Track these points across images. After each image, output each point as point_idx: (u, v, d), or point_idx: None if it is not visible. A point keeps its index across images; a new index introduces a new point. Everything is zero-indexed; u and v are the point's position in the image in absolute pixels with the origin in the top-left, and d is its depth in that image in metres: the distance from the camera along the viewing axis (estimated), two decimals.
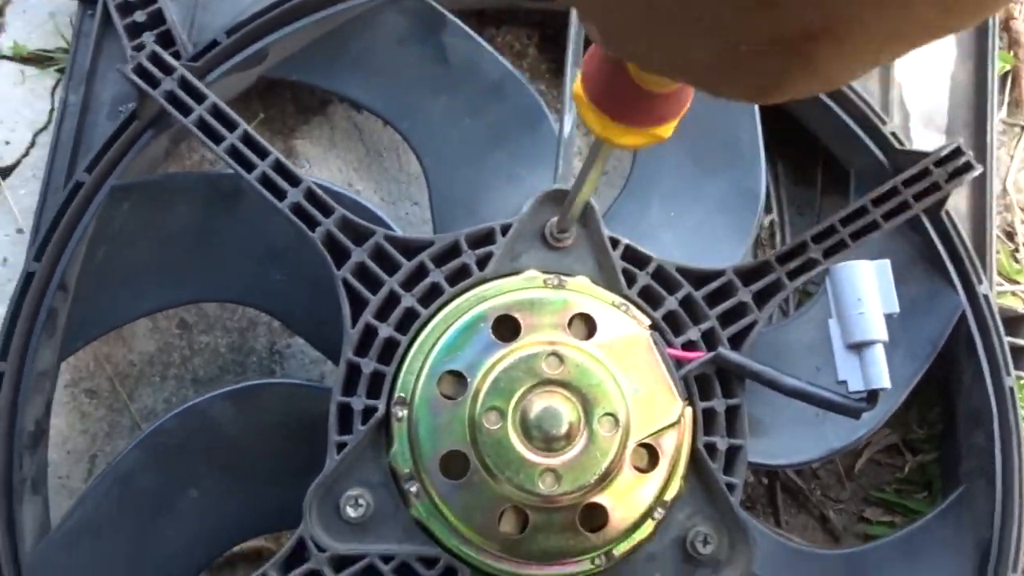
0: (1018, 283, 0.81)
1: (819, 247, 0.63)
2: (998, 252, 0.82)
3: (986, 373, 0.69)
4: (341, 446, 0.59)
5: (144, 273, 0.68)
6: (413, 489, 0.58)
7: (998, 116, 0.83)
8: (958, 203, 0.77)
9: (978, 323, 0.70)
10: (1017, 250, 0.83)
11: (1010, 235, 0.83)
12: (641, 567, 0.60)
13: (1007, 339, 0.74)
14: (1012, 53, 0.88)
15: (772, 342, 0.70)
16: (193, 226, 0.69)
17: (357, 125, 0.83)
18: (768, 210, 0.83)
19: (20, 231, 0.80)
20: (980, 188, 0.76)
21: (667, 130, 0.39)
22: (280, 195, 0.62)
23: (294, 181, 0.62)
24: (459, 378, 0.58)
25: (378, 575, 0.58)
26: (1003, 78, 0.88)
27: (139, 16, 0.71)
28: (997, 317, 0.70)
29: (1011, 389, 0.68)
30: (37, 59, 0.84)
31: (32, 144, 0.83)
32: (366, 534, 0.59)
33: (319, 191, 0.62)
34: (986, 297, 0.70)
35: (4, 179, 0.82)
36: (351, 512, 0.59)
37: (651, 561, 0.60)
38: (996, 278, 0.80)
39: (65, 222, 0.67)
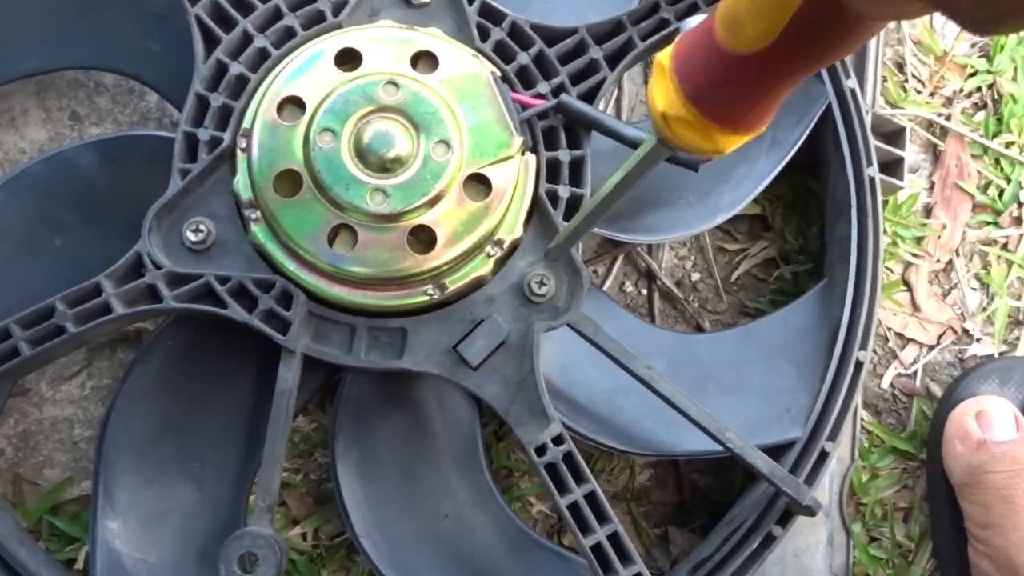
0: (902, 108, 0.82)
1: (672, 8, 0.63)
2: (885, 79, 0.82)
3: (848, 164, 0.70)
4: (185, 173, 0.60)
5: (24, 33, 0.70)
6: (253, 216, 0.59)
7: None
8: None
9: (843, 114, 0.70)
10: (906, 80, 0.83)
11: (900, 67, 0.83)
12: (480, 307, 0.61)
13: (885, 146, 0.75)
14: None
15: None
16: None
17: None
18: None
19: None
20: None
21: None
22: None
23: None
24: (298, 104, 0.59)
25: (214, 296, 0.59)
26: None
27: None
28: (863, 110, 0.70)
29: (871, 179, 0.69)
30: None
31: None
32: (206, 261, 0.60)
33: None
34: (852, 91, 0.70)
35: None
36: (191, 236, 0.60)
37: (490, 304, 0.61)
38: (880, 99, 0.80)
39: None
